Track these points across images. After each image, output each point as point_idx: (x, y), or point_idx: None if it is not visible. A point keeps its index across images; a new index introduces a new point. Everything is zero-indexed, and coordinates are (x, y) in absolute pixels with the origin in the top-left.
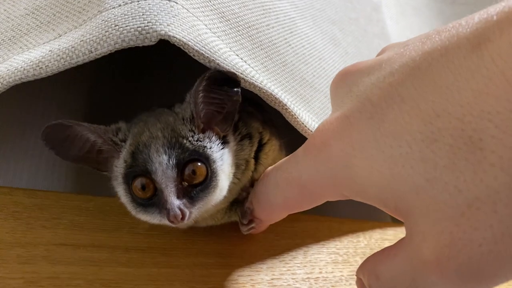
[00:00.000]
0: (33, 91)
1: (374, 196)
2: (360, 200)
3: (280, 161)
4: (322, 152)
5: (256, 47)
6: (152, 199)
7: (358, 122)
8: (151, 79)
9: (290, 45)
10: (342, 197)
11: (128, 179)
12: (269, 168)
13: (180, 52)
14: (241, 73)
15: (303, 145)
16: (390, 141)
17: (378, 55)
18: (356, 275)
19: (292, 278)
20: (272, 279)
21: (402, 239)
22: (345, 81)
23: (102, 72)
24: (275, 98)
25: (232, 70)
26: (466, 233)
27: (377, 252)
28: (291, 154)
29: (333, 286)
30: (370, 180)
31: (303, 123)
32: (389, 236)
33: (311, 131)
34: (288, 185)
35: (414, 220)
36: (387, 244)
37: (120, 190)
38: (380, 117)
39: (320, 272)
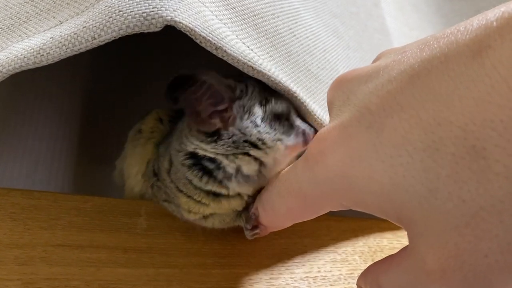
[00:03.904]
0: (29, 92)
1: (374, 206)
2: (360, 210)
3: (284, 170)
4: (320, 163)
5: (261, 36)
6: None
7: (357, 132)
8: (149, 66)
9: (295, 35)
10: (342, 207)
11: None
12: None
13: (179, 39)
14: (248, 61)
15: (303, 155)
16: (390, 151)
17: (374, 61)
18: (356, 284)
19: (291, 277)
20: (270, 278)
21: (405, 248)
22: (341, 89)
23: (98, 67)
24: (284, 86)
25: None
26: (471, 243)
27: (379, 261)
28: (292, 164)
29: (331, 285)
30: (369, 191)
31: (312, 112)
32: (388, 235)
33: (320, 119)
34: (290, 195)
35: (417, 230)
36: (385, 242)
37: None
38: (379, 126)
39: (319, 271)
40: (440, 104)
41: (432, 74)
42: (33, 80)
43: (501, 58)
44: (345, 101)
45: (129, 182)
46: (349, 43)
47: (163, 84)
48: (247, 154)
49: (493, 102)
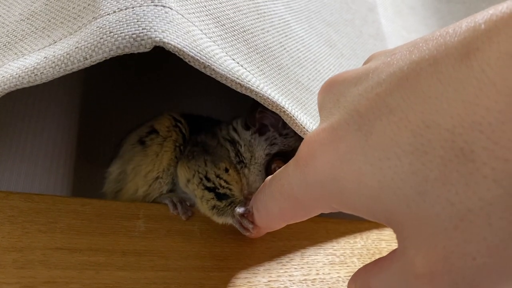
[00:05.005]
0: (28, 96)
1: (363, 209)
2: (350, 213)
3: (277, 171)
4: (310, 165)
5: (251, 51)
6: None
7: (346, 134)
8: (143, 77)
9: (285, 48)
10: (332, 209)
11: None
12: (268, 177)
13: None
14: (236, 78)
15: (294, 157)
16: (378, 154)
17: (364, 63)
18: (348, 287)
19: (289, 280)
20: (269, 281)
21: (394, 250)
22: (332, 91)
23: (96, 74)
24: (272, 101)
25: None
26: (459, 246)
27: (369, 264)
28: (285, 165)
29: None
30: (358, 193)
31: (301, 125)
32: (386, 237)
33: (310, 132)
34: (282, 196)
35: (406, 233)
36: (383, 244)
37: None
38: (368, 129)
39: (317, 274)
40: (429, 107)
41: (421, 76)
42: (32, 87)
43: (489, 61)
44: (335, 103)
45: (134, 183)
46: (343, 51)
47: (160, 88)
48: None
49: (481, 104)
